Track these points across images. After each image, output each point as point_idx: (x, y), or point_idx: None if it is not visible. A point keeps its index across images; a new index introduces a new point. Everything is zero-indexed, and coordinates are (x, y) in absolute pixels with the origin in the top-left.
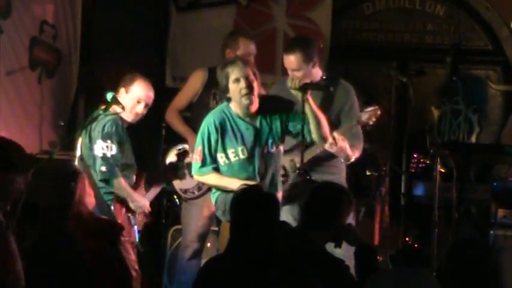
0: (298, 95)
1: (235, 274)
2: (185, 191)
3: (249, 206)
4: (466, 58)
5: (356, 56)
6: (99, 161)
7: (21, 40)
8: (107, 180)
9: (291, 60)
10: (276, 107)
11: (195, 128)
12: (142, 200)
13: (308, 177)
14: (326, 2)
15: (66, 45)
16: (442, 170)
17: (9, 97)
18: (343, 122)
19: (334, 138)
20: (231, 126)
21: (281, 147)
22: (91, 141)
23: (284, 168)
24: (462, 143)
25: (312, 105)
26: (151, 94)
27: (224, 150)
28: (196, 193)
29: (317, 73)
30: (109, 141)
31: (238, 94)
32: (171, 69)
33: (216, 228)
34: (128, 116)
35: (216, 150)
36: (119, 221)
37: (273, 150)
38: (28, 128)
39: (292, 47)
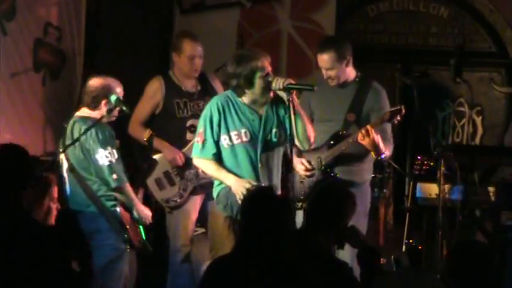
0: (284, 95)
1: (240, 275)
2: (167, 201)
3: (261, 209)
4: (470, 60)
5: (360, 58)
6: (106, 170)
7: (26, 42)
8: (120, 189)
9: (324, 59)
10: (282, 102)
11: (164, 139)
12: (145, 210)
13: (332, 175)
14: (330, 4)
15: (70, 47)
16: (446, 172)
17: (13, 99)
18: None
19: (367, 130)
20: (235, 110)
21: (283, 144)
22: (88, 152)
23: (310, 163)
24: (466, 145)
25: (296, 106)
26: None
27: (227, 132)
28: (179, 201)
29: (351, 72)
30: (109, 148)
31: (263, 90)
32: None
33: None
34: (108, 118)
35: (218, 134)
36: (126, 221)
37: (276, 139)
38: (32, 130)
39: (326, 46)
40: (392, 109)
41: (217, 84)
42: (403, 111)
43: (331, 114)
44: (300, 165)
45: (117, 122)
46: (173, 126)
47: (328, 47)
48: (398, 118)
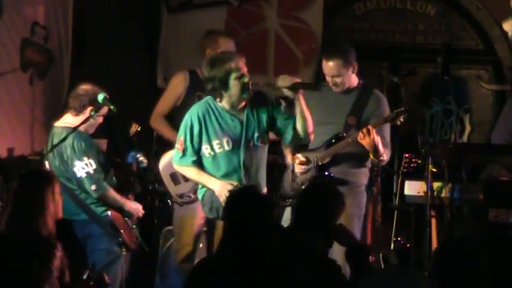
0: (289, 93)
1: (226, 275)
2: (181, 195)
3: (244, 207)
4: (458, 58)
5: None
6: (86, 181)
7: (13, 41)
8: (102, 197)
9: (331, 66)
10: (263, 103)
11: None
12: (134, 204)
13: (327, 174)
14: (317, 2)
15: (57, 46)
16: (434, 170)
17: (0, 98)
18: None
19: (368, 129)
20: (216, 118)
21: (266, 144)
22: (66, 163)
23: (307, 159)
24: (454, 142)
25: (302, 104)
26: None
27: (209, 142)
28: (193, 196)
29: (354, 79)
30: (85, 158)
31: (240, 89)
32: (162, 70)
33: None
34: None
35: (198, 142)
36: (119, 225)
37: (258, 143)
38: (20, 129)
39: (332, 53)
40: (397, 110)
41: None
42: (407, 114)
43: (331, 118)
44: (296, 161)
45: (106, 121)
46: None
47: (335, 54)
48: (402, 119)
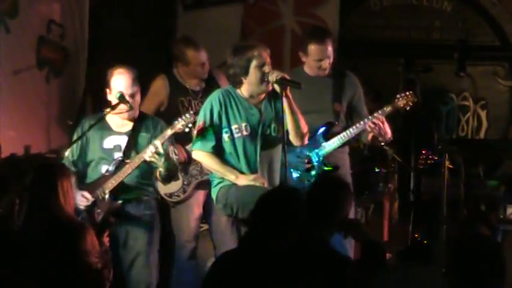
0: (278, 89)
1: (247, 269)
2: (170, 195)
3: (278, 208)
4: (474, 54)
5: (363, 52)
6: None
7: (29, 39)
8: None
9: (326, 48)
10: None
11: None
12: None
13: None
14: None
15: (73, 44)
16: (451, 166)
17: (16, 97)
18: (360, 108)
19: (380, 120)
20: (236, 103)
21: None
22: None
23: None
24: (470, 139)
25: (290, 102)
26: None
27: (228, 126)
28: (182, 196)
29: None
30: None
31: (260, 79)
32: None
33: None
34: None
35: (218, 126)
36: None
37: (275, 134)
38: (36, 127)
39: (325, 35)
40: (403, 94)
41: (222, 80)
42: (416, 98)
43: (314, 105)
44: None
45: None
46: None
47: (327, 36)
48: (410, 104)
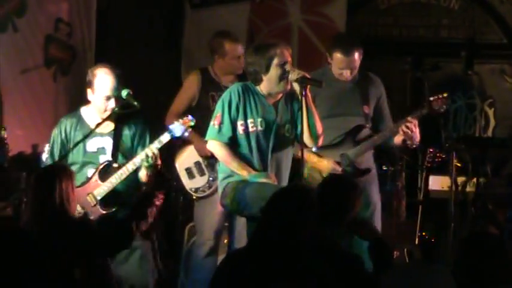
0: (297, 88)
1: (256, 267)
2: (196, 190)
3: (290, 206)
4: (481, 52)
5: (371, 51)
6: None
7: (36, 38)
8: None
9: (355, 58)
10: (297, 99)
11: (198, 132)
12: None
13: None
14: None
15: (80, 43)
16: (458, 165)
17: (24, 95)
18: (384, 110)
19: (413, 123)
20: (254, 98)
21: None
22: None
23: (339, 164)
24: (478, 137)
25: (309, 102)
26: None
27: (244, 119)
28: (207, 191)
29: None
30: None
31: (280, 76)
32: (186, 65)
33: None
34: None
35: (235, 118)
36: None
37: (288, 135)
38: (43, 125)
39: (354, 45)
40: (437, 97)
41: None
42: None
43: (342, 109)
44: (332, 166)
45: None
46: (207, 118)
47: (357, 46)
48: (445, 107)
